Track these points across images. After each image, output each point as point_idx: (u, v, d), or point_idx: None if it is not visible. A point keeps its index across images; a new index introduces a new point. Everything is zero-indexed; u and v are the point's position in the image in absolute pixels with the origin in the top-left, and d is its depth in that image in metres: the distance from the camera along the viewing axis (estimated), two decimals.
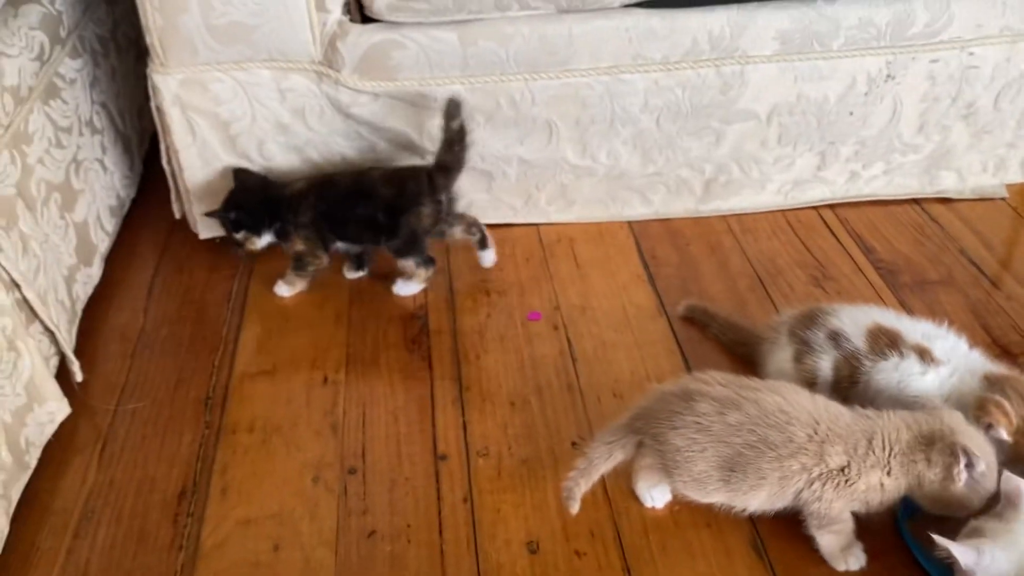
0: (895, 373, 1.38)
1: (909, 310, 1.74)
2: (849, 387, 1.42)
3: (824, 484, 1.24)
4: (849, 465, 1.23)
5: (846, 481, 1.23)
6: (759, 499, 1.28)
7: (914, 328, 1.43)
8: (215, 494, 1.42)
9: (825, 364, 1.44)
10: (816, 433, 1.24)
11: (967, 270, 1.86)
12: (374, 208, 1.76)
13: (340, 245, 1.84)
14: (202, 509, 1.40)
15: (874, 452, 1.23)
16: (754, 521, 1.35)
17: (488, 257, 1.90)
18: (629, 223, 2.03)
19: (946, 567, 1.24)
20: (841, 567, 1.28)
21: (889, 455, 1.23)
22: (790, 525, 1.30)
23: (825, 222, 2.02)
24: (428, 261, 1.83)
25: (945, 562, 1.24)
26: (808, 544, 1.29)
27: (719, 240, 1.98)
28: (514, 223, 2.02)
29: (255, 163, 1.87)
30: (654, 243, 1.98)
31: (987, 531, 1.15)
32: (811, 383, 1.45)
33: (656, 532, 1.35)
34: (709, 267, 1.90)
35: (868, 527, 1.29)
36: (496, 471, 1.45)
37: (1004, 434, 1.28)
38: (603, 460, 1.35)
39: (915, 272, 1.86)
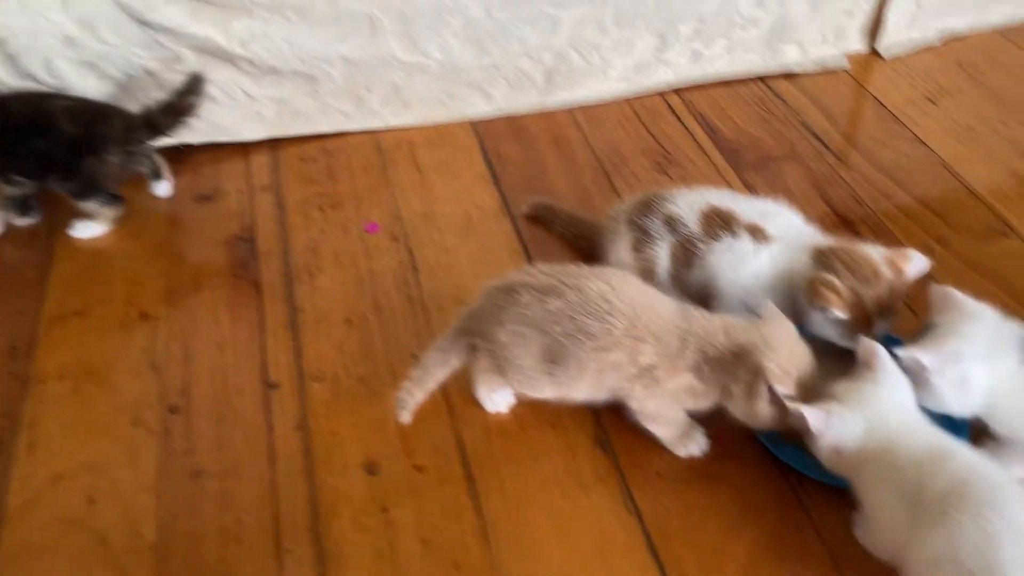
0: (728, 254, 1.35)
1: (752, 189, 1.72)
2: (686, 272, 1.39)
3: (634, 382, 1.20)
4: (656, 365, 1.19)
5: (654, 381, 1.19)
6: (582, 391, 1.24)
7: (749, 207, 1.40)
8: (21, 451, 1.29)
9: (662, 251, 1.40)
10: (634, 327, 1.19)
11: (810, 144, 1.85)
12: (52, 143, 1.54)
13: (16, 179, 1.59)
14: (5, 469, 1.27)
15: (685, 354, 1.19)
16: (598, 416, 1.32)
17: (162, 188, 1.72)
18: (472, 123, 1.93)
19: (787, 447, 1.25)
20: (682, 453, 1.26)
21: (701, 359, 1.18)
22: (625, 414, 1.27)
23: (671, 107, 1.96)
24: (114, 199, 1.63)
25: (786, 443, 1.26)
26: (648, 433, 1.27)
27: (565, 134, 1.90)
28: (348, 130, 1.89)
29: (45, 83, 1.67)
30: (498, 141, 1.88)
31: (840, 394, 1.13)
32: (650, 272, 1.41)
33: (500, 437, 1.31)
34: (554, 162, 1.83)
35: (710, 413, 1.27)
36: (332, 394, 1.37)
37: (839, 313, 1.26)
38: (438, 367, 1.29)
39: (759, 150, 1.84)
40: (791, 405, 1.11)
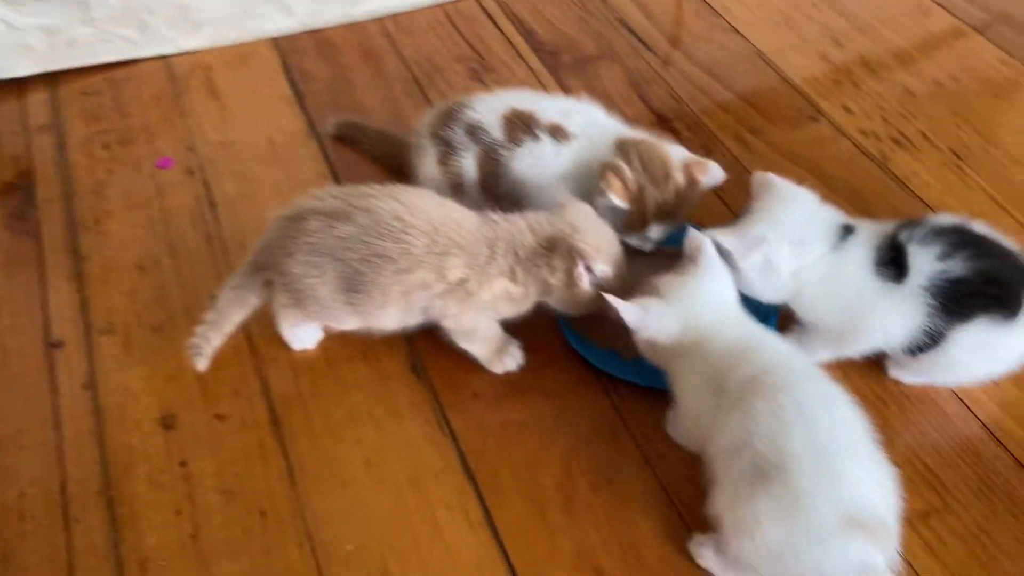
0: (531, 158, 1.29)
1: (569, 91, 1.67)
2: (494, 182, 1.33)
3: (446, 299, 1.14)
4: (469, 277, 1.14)
5: (468, 294, 1.14)
6: (391, 318, 1.18)
7: (551, 107, 1.34)
8: None
9: (468, 162, 1.33)
10: (436, 243, 1.13)
11: (628, 42, 1.80)
12: None
13: None
14: None
15: (496, 260, 1.14)
16: (412, 342, 1.27)
17: None
18: (274, 40, 1.79)
19: (602, 353, 1.24)
20: (499, 369, 1.22)
21: (513, 262, 1.14)
22: (438, 337, 1.22)
23: (485, 11, 1.87)
24: None
25: (601, 349, 1.24)
26: (466, 355, 1.22)
27: (374, 45, 1.79)
28: (136, 58, 1.72)
29: None
30: (303, 59, 1.76)
31: (661, 287, 1.10)
32: (458, 185, 1.34)
33: (307, 374, 1.24)
34: (363, 76, 1.72)
35: (525, 322, 1.24)
36: (123, 347, 1.26)
37: (617, 201, 1.22)
38: (234, 308, 1.20)
39: (576, 50, 1.78)
40: (609, 299, 1.07)
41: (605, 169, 1.23)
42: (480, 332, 1.19)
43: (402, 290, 1.14)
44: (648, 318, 1.06)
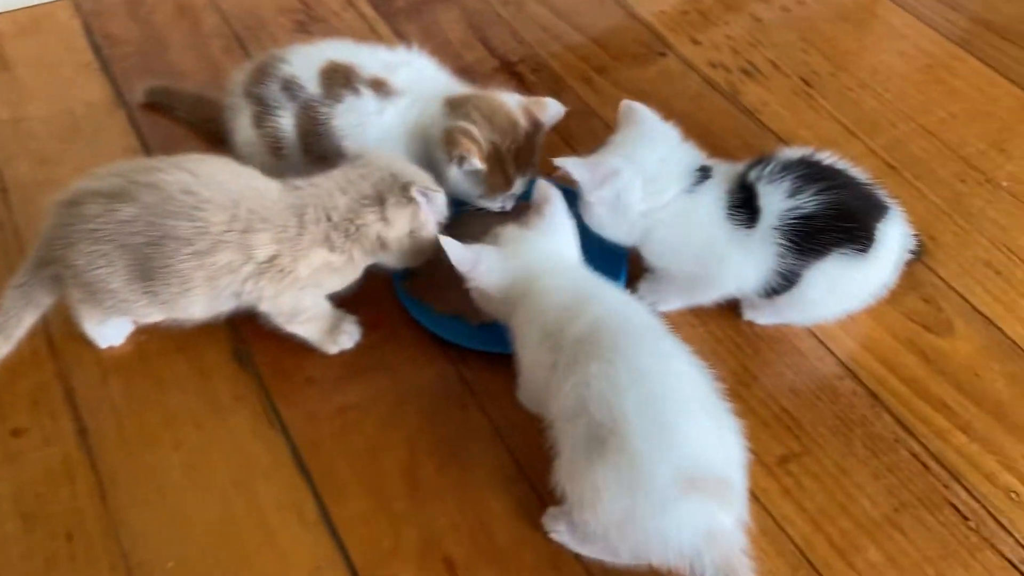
0: (351, 116, 1.17)
1: (405, 37, 1.55)
2: (316, 143, 1.20)
3: (259, 281, 1.03)
4: (280, 253, 1.02)
5: (282, 272, 1.03)
6: (198, 306, 1.05)
7: (374, 58, 1.21)
8: None
9: (285, 121, 1.20)
10: (236, 219, 1.01)
11: None
12: None
13: None
14: None
15: (308, 230, 1.03)
16: (236, 328, 1.14)
17: None
18: (74, 1, 1.61)
19: (446, 321, 1.14)
20: (333, 350, 1.12)
21: (328, 228, 1.03)
22: (265, 321, 1.10)
23: None
24: None
25: (445, 317, 1.14)
26: (294, 338, 1.11)
27: (189, 1, 1.62)
28: None
29: None
30: (108, 21, 1.58)
31: (501, 236, 1.02)
32: (277, 147, 1.21)
33: (118, 375, 1.10)
34: (178, 36, 1.56)
35: (360, 296, 1.13)
36: None
37: (477, 163, 1.13)
38: (22, 309, 1.05)
39: None
40: (442, 240, 0.99)
41: (450, 134, 1.13)
42: (305, 312, 1.08)
43: (206, 275, 1.02)
44: (479, 265, 0.98)
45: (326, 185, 1.05)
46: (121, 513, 0.98)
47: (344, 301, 1.12)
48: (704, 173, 1.06)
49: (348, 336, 1.13)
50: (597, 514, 0.85)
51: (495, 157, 1.15)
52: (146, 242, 0.99)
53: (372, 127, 1.17)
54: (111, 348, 1.12)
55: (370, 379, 1.11)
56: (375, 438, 1.05)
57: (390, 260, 1.09)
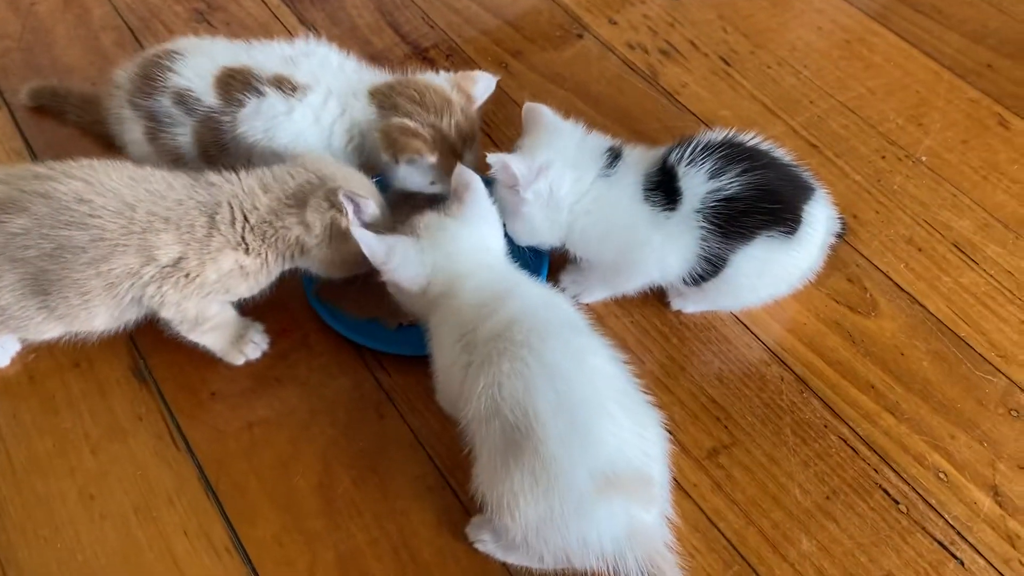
0: (258, 120, 1.09)
1: (312, 27, 1.47)
2: (221, 154, 1.12)
3: (161, 285, 0.96)
4: (186, 255, 0.95)
5: (187, 276, 0.96)
6: (100, 317, 0.98)
7: (270, 55, 1.13)
8: None
9: (183, 137, 1.11)
10: (133, 222, 0.94)
11: None
12: None
13: None
14: None
15: (219, 230, 0.96)
16: (134, 340, 1.07)
17: None
18: None
19: (361, 325, 1.08)
20: (239, 361, 1.05)
21: (243, 229, 0.97)
22: (166, 331, 1.03)
23: None
24: None
25: (360, 321, 1.09)
26: (197, 350, 1.04)
27: None
28: None
29: None
30: None
31: (419, 226, 0.95)
32: (178, 159, 1.13)
33: (5, 399, 1.02)
34: (64, 28, 1.45)
35: (267, 302, 1.06)
36: None
37: (430, 158, 1.08)
38: None
39: None
40: (355, 232, 0.92)
41: (388, 136, 1.06)
42: (211, 320, 1.01)
43: (104, 283, 0.94)
44: (393, 257, 0.92)
45: (247, 182, 0.98)
46: (10, 551, 0.91)
47: (250, 308, 1.06)
48: (614, 153, 1.03)
49: (255, 346, 1.06)
50: (516, 520, 0.81)
51: (440, 141, 1.09)
52: (39, 255, 0.92)
53: (283, 129, 1.09)
54: None
55: (280, 391, 1.04)
56: (287, 454, 0.99)
57: (312, 267, 1.02)
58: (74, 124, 1.30)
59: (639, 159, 1.03)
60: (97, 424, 1.00)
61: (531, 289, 0.93)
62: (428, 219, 0.96)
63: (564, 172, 1.00)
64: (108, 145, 1.21)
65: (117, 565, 0.90)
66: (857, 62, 1.45)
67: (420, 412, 1.02)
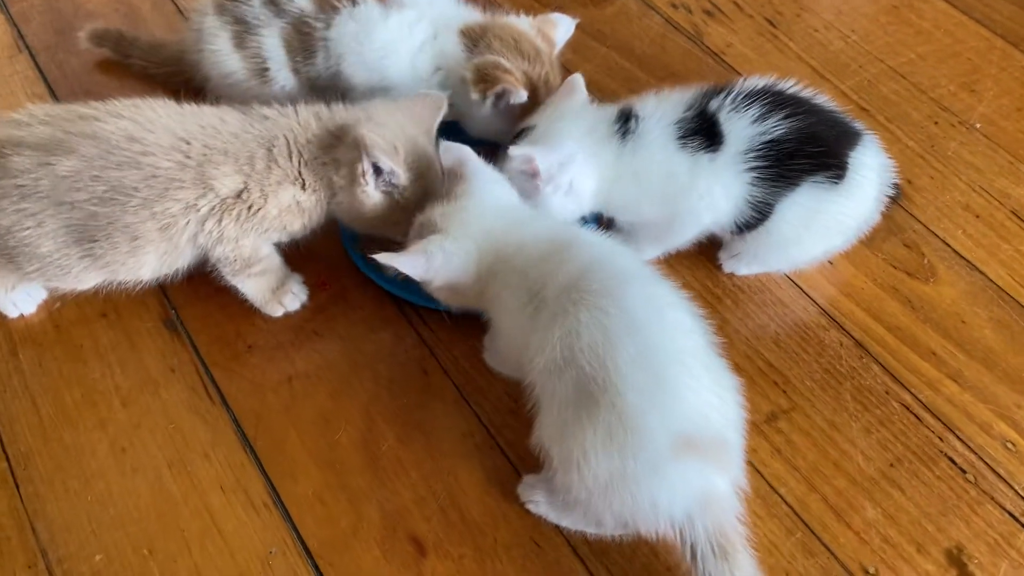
0: (352, 24, 1.05)
1: None
2: (308, 63, 1.08)
3: (221, 219, 0.92)
4: (247, 187, 0.91)
5: (250, 208, 0.92)
6: (151, 264, 0.93)
7: None
8: None
9: (272, 41, 1.08)
10: (189, 157, 0.90)
11: None
12: None
13: None
14: None
15: (278, 162, 0.92)
16: (165, 291, 1.02)
17: None
18: None
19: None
20: (278, 312, 1.01)
21: (299, 163, 0.93)
22: (199, 284, 1.00)
23: None
24: None
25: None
26: (235, 300, 1.00)
27: None
28: None
29: None
30: None
31: (436, 221, 0.90)
32: (262, 71, 1.10)
33: (30, 348, 0.97)
34: None
35: (305, 253, 1.02)
36: None
37: (523, 94, 1.04)
38: None
39: None
40: (382, 258, 0.86)
41: (482, 71, 1.03)
42: (261, 263, 0.96)
43: (159, 225, 0.90)
44: (435, 261, 0.86)
45: (303, 115, 0.94)
46: (38, 503, 0.86)
47: (287, 260, 1.01)
48: (623, 115, 0.98)
49: (293, 296, 1.02)
50: (583, 477, 0.77)
51: (530, 87, 1.06)
52: (90, 198, 0.87)
53: (374, 36, 1.05)
54: (21, 317, 0.99)
55: (319, 345, 1.00)
56: (328, 409, 0.95)
57: (340, 213, 0.97)
58: (140, 69, 1.24)
59: (658, 108, 0.98)
60: (127, 376, 0.96)
61: (593, 238, 0.88)
62: (437, 212, 0.90)
63: (586, 165, 0.96)
64: (173, 91, 1.15)
65: (151, 519, 0.86)
66: (906, 28, 1.41)
67: (464, 369, 0.98)
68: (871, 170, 0.99)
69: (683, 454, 0.74)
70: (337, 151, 0.93)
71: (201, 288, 1.00)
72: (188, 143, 0.90)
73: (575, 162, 0.96)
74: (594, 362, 0.76)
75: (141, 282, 0.96)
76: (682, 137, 0.95)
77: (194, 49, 1.12)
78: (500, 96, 1.05)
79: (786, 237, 0.99)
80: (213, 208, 0.91)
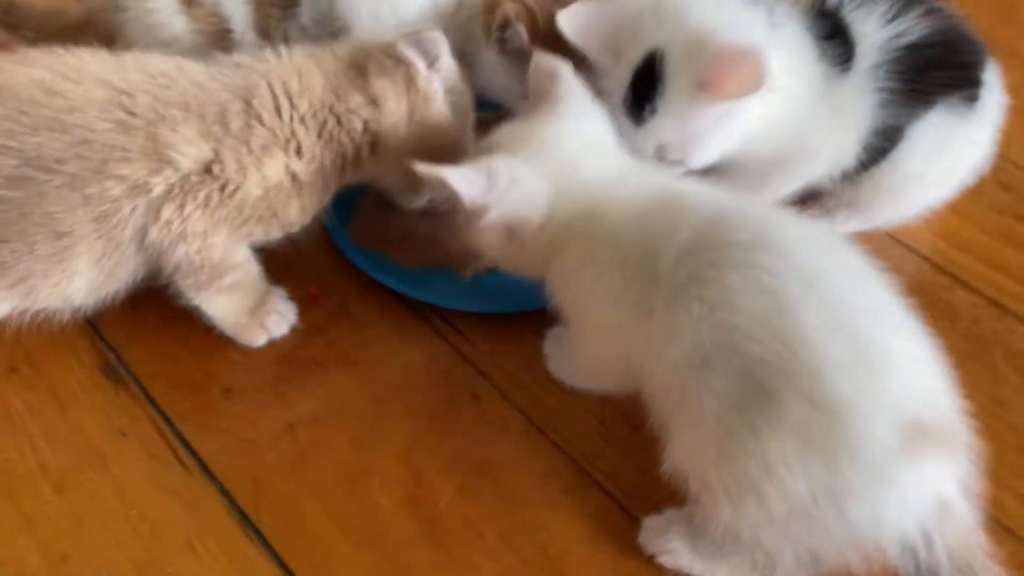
0: None
1: None
2: (283, 19, 0.84)
3: (183, 204, 0.65)
4: (219, 156, 0.65)
5: (223, 188, 0.66)
6: (84, 276, 0.66)
7: None
8: None
9: None
10: (134, 114, 0.64)
11: None
12: None
13: None
14: None
15: (262, 119, 0.67)
16: (96, 328, 0.74)
17: None
18: None
19: (426, 279, 0.79)
20: (260, 339, 0.74)
21: (292, 118, 0.68)
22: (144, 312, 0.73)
23: None
24: None
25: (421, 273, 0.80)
26: (192, 333, 0.73)
27: None
28: None
29: None
30: None
31: (504, 140, 0.68)
32: (220, 34, 0.83)
33: None
34: None
35: (287, 259, 0.76)
36: None
37: (523, 29, 0.82)
38: None
39: None
40: (424, 169, 0.64)
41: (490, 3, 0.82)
42: (235, 271, 0.70)
43: (95, 213, 0.63)
44: (499, 184, 0.63)
45: (294, 57, 0.69)
46: None
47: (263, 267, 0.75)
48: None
49: (279, 317, 0.75)
50: (765, 502, 0.54)
51: (551, 33, 0.81)
52: None
53: None
54: None
55: (324, 377, 0.73)
56: (353, 462, 0.68)
57: (384, 175, 0.73)
58: (32, 43, 0.95)
59: (788, 9, 0.76)
60: (58, 450, 0.67)
61: (707, 188, 0.66)
62: (511, 129, 0.68)
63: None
64: None
65: None
66: None
67: (526, 387, 0.74)
68: (998, 94, 0.81)
69: (915, 446, 0.53)
70: (368, 80, 0.69)
71: (146, 317, 0.73)
72: (131, 96, 0.64)
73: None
74: (764, 339, 0.54)
75: (71, 308, 0.68)
76: (822, 38, 0.74)
77: (113, 8, 0.85)
78: (504, 28, 0.83)
79: (907, 175, 0.80)
80: (171, 188, 0.64)
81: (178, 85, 0.65)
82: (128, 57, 0.67)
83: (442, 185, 0.64)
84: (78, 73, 0.65)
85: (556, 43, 0.82)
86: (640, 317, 0.60)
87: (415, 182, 0.71)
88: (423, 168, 0.64)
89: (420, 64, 0.69)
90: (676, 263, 0.58)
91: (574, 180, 0.65)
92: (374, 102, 0.69)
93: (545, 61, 0.70)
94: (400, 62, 0.69)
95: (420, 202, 0.78)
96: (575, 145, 0.66)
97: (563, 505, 0.67)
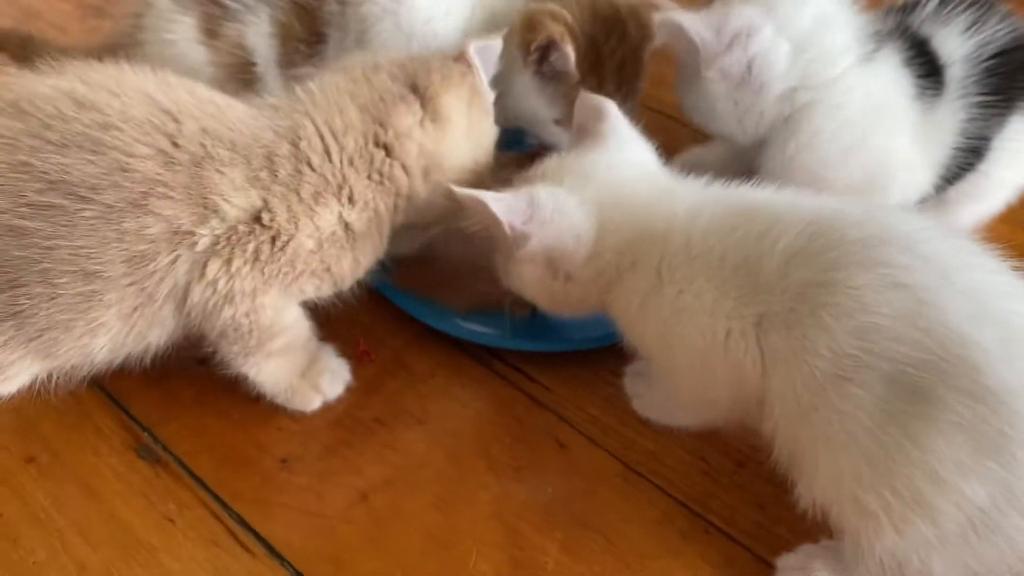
0: None
1: None
2: (314, 48, 0.77)
3: (231, 258, 0.57)
4: (268, 205, 0.58)
5: (273, 241, 0.58)
6: (109, 331, 0.57)
7: None
8: None
9: (258, 28, 0.76)
10: (178, 145, 0.56)
11: None
12: None
13: None
14: None
15: (311, 164, 0.59)
16: (121, 405, 0.65)
17: None
18: None
19: (483, 319, 0.72)
20: (314, 403, 0.65)
21: (342, 161, 0.60)
22: (174, 385, 0.65)
23: None
24: None
25: (475, 314, 0.73)
26: (234, 402, 0.65)
27: None
28: None
29: None
30: None
31: (549, 172, 0.62)
32: (244, 67, 0.76)
33: None
34: None
35: (326, 314, 0.68)
36: None
37: (569, 51, 0.74)
38: None
39: None
40: (464, 193, 0.59)
41: (532, 20, 0.75)
42: (285, 333, 0.62)
43: (127, 255, 0.55)
44: (541, 212, 0.58)
45: (327, 93, 0.61)
46: None
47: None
48: (880, 36, 0.72)
49: (332, 376, 0.67)
50: (937, 518, 0.49)
51: (591, 57, 0.77)
52: (12, 206, 0.52)
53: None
54: None
55: (390, 437, 0.65)
56: (440, 527, 0.60)
57: (432, 211, 0.65)
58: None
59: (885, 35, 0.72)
60: (96, 545, 0.57)
61: (783, 193, 0.61)
62: (556, 161, 0.63)
63: (778, 42, 0.69)
64: None
65: None
66: None
67: (615, 430, 0.67)
68: None
69: None
70: (412, 95, 0.62)
71: (178, 391, 0.65)
72: (176, 120, 0.56)
73: (759, 37, 0.69)
74: (911, 338, 0.49)
75: (90, 364, 0.59)
76: (919, 76, 0.70)
77: (131, 41, 0.78)
78: (548, 48, 0.77)
79: (991, 182, 0.75)
80: (217, 241, 0.57)
81: (226, 118, 0.58)
82: (172, 76, 0.60)
83: (483, 210, 0.58)
84: (116, 84, 0.57)
85: (595, 67, 0.80)
86: (744, 330, 0.54)
87: (449, 211, 0.65)
88: (463, 192, 0.59)
89: (483, 74, 0.64)
90: (784, 269, 0.54)
91: (622, 209, 0.60)
92: (435, 118, 0.62)
93: (591, 99, 0.67)
94: (468, 71, 0.63)
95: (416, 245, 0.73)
96: (621, 175, 0.62)
97: (685, 554, 0.59)
